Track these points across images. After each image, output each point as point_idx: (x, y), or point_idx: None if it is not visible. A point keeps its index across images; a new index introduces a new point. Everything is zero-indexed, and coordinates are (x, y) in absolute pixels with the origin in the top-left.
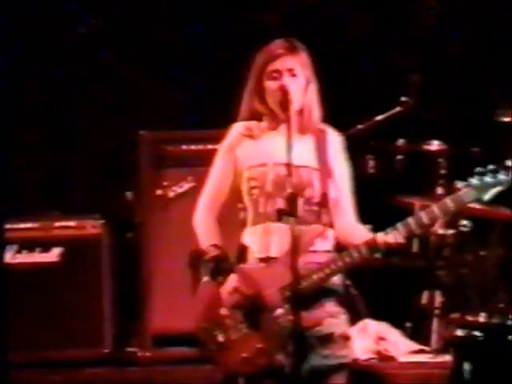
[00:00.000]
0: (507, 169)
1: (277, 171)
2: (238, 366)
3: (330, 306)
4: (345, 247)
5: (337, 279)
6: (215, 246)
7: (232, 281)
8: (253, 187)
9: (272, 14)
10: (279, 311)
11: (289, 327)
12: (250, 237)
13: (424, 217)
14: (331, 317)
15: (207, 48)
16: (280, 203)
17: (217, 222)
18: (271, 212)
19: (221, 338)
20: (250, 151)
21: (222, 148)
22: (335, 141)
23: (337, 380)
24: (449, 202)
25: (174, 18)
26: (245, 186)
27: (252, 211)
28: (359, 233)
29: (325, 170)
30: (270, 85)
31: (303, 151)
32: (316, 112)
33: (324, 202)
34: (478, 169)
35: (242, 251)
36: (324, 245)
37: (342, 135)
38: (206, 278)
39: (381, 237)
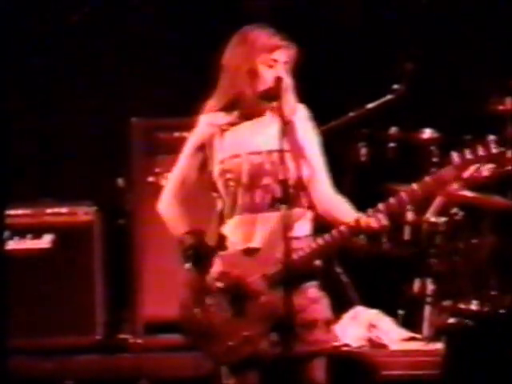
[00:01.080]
0: (487, 145)
1: (251, 161)
2: (222, 355)
3: (312, 292)
4: (325, 220)
5: (318, 263)
6: (190, 232)
7: (217, 265)
8: (228, 179)
9: (260, 1)
10: (263, 298)
11: (273, 314)
12: (231, 228)
13: (404, 195)
14: (314, 303)
15: (197, 35)
16: (258, 193)
17: (183, 207)
18: (249, 202)
19: (205, 327)
20: (220, 144)
21: (191, 140)
22: (300, 113)
23: (316, 364)
24: (429, 179)
25: (163, 5)
26: (220, 178)
27: (230, 203)
28: (339, 204)
29: (296, 151)
30: (267, 72)
31: (273, 135)
32: (291, 103)
33: (300, 184)
34: (457, 147)
35: (222, 241)
36: (304, 229)
37: (330, 124)
38: (187, 266)
39: (364, 219)
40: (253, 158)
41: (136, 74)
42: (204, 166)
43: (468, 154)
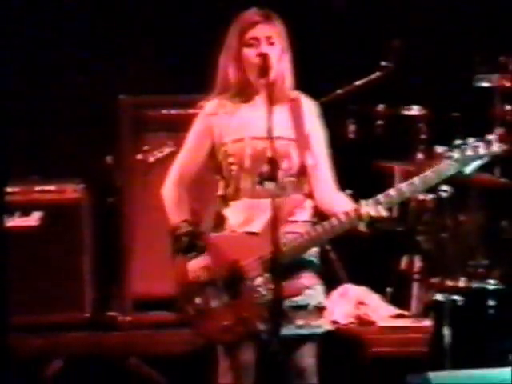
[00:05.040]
0: (488, 143)
1: (254, 145)
2: (217, 334)
3: (307, 277)
4: (325, 215)
5: (314, 250)
6: (187, 221)
7: (203, 259)
8: (231, 163)
9: None
10: (259, 280)
11: (269, 296)
12: (232, 211)
13: (405, 188)
14: (307, 288)
15: (185, 14)
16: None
17: (187, 194)
18: (251, 187)
19: (200, 305)
20: (225, 127)
21: (196, 127)
22: (310, 108)
23: (307, 350)
24: (430, 174)
25: None
26: (223, 161)
27: (233, 186)
28: (340, 201)
29: (301, 140)
30: (249, 52)
31: (278, 122)
32: (288, 81)
33: (302, 172)
34: (459, 142)
35: (221, 221)
36: (302, 215)
37: (318, 101)
38: (180, 255)
39: (364, 208)
40: (256, 143)
41: (123, 51)
42: (212, 152)
43: (469, 151)
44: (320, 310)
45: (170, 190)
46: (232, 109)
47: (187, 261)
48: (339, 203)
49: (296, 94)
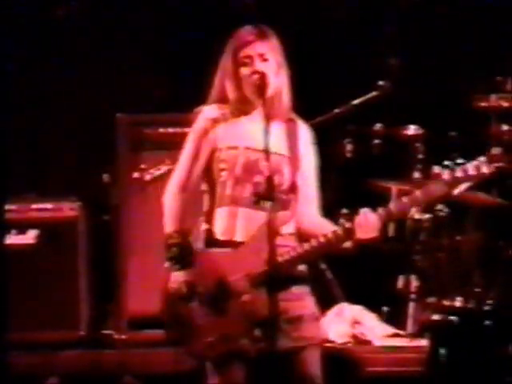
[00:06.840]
0: (478, 164)
1: (247, 155)
2: (203, 351)
3: (296, 289)
4: (306, 236)
5: (304, 269)
6: (177, 231)
7: (186, 273)
8: (222, 169)
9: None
10: (245, 297)
11: (255, 313)
12: (215, 219)
13: (393, 208)
14: (298, 299)
15: (183, 32)
16: (248, 188)
17: (186, 204)
18: (238, 195)
19: (186, 322)
20: (222, 133)
21: (195, 129)
22: (306, 134)
23: (309, 358)
24: (419, 194)
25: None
26: (214, 166)
27: (219, 193)
28: (323, 224)
29: (294, 159)
30: (244, 71)
31: (274, 138)
32: (286, 97)
33: (292, 190)
34: (449, 163)
35: (208, 234)
36: (288, 228)
37: (316, 120)
38: (167, 264)
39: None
40: (250, 154)
41: (122, 69)
42: (208, 156)
43: (459, 172)
44: (314, 319)
45: (169, 198)
46: (230, 117)
47: (179, 271)
48: (322, 226)
49: (294, 116)
